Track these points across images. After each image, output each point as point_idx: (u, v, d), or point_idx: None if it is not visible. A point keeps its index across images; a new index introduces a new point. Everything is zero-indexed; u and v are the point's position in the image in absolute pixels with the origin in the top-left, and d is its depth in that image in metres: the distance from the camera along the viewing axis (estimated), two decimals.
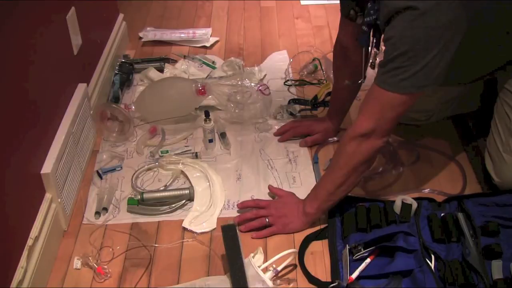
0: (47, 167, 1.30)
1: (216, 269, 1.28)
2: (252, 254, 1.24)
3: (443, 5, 1.06)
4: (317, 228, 1.36)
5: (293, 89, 1.91)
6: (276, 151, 1.64)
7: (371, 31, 1.26)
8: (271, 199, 1.46)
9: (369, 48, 1.32)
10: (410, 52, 1.10)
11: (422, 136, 1.66)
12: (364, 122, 1.21)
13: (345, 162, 1.25)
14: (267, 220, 1.36)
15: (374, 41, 1.28)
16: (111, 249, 1.33)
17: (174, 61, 2.07)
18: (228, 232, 1.23)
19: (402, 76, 1.12)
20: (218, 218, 1.40)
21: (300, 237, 1.34)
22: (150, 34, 2.23)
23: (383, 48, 1.17)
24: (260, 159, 1.61)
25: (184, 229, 1.38)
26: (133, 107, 1.76)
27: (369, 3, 1.19)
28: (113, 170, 1.57)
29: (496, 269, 1.19)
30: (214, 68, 2.03)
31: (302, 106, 1.81)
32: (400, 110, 1.18)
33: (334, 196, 1.30)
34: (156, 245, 1.35)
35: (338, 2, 1.38)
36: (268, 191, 1.48)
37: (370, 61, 1.33)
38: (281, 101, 1.83)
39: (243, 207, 1.41)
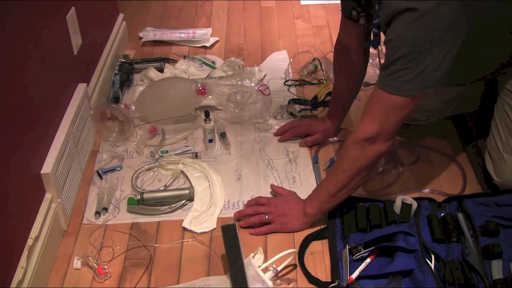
0: (47, 167, 1.30)
1: (216, 269, 1.28)
2: (252, 254, 1.24)
3: (444, 6, 1.06)
4: (317, 228, 1.36)
5: (293, 89, 1.91)
6: (276, 151, 1.64)
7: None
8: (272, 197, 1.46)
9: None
10: (411, 54, 1.10)
11: (422, 136, 1.66)
12: (367, 126, 1.20)
13: (348, 165, 1.25)
14: (266, 217, 1.36)
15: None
16: (111, 249, 1.33)
17: (174, 61, 2.07)
18: (228, 232, 1.23)
19: (404, 78, 1.12)
20: (218, 218, 1.41)
21: (300, 237, 1.34)
22: (150, 34, 2.23)
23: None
24: (260, 159, 1.61)
25: (184, 229, 1.38)
26: (133, 107, 1.76)
27: (376, 5, 1.19)
28: (113, 170, 1.57)
29: (496, 269, 1.19)
30: (214, 68, 2.03)
31: (302, 106, 1.81)
32: (404, 113, 1.17)
33: (336, 198, 1.30)
34: (156, 245, 1.35)
35: (338, 2, 1.38)
36: (269, 190, 1.48)
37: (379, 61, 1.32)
38: (281, 101, 1.83)
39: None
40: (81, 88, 1.57)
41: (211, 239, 1.36)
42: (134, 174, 1.54)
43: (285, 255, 1.23)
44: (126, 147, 1.66)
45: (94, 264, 1.27)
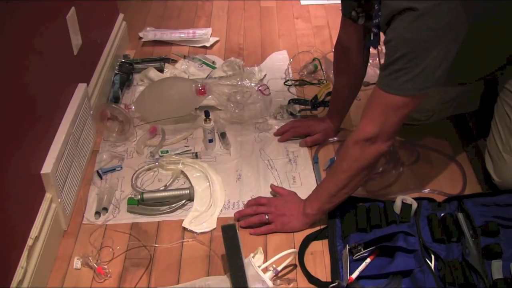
0: (47, 167, 1.30)
1: (216, 269, 1.28)
2: (252, 254, 1.24)
3: (443, 5, 1.06)
4: (317, 228, 1.36)
5: (293, 89, 1.91)
6: (276, 151, 1.64)
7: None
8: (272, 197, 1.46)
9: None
10: (411, 54, 1.10)
11: (422, 136, 1.66)
12: (368, 126, 1.20)
13: (348, 165, 1.25)
14: (266, 217, 1.36)
15: None
16: (111, 249, 1.33)
17: (174, 61, 2.07)
18: (228, 232, 1.23)
19: (404, 78, 1.12)
20: (218, 218, 1.41)
21: (300, 237, 1.34)
22: (150, 34, 2.23)
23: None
24: (260, 159, 1.61)
25: (184, 229, 1.38)
26: (133, 107, 1.76)
27: (376, 5, 1.19)
28: (113, 170, 1.57)
29: (496, 269, 1.19)
30: (214, 68, 2.03)
31: (302, 106, 1.81)
32: (404, 113, 1.17)
33: (336, 198, 1.30)
34: (156, 245, 1.35)
35: (338, 2, 1.38)
36: (269, 190, 1.48)
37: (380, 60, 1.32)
38: (281, 101, 1.83)
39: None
40: (81, 88, 1.57)
41: (211, 239, 1.36)
42: (134, 174, 1.54)
43: (285, 255, 1.23)
44: (126, 147, 1.66)
45: (94, 264, 1.27)
